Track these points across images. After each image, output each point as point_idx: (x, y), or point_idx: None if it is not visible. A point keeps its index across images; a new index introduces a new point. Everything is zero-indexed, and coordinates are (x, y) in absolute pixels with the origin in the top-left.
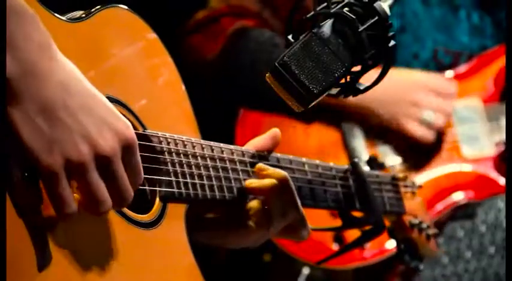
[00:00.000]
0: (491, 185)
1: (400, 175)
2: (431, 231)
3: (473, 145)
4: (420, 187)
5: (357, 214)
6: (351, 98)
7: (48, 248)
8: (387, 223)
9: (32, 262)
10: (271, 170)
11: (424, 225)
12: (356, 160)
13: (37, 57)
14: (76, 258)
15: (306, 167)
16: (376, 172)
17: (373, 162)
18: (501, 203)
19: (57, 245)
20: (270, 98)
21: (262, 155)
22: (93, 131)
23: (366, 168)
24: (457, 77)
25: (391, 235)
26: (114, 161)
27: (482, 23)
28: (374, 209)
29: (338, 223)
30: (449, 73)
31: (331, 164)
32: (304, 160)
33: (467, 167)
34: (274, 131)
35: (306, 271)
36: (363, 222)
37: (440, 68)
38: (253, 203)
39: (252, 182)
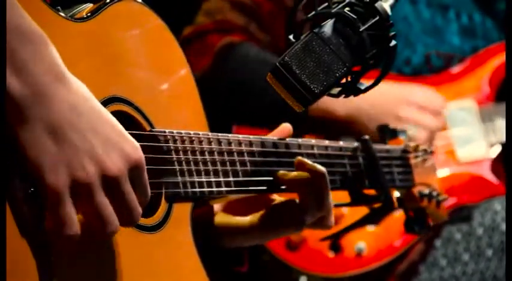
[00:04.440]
0: (488, 187)
1: (411, 145)
2: (442, 197)
3: (468, 147)
4: (432, 152)
5: (367, 191)
6: (340, 111)
7: (52, 265)
8: (396, 194)
9: (35, 280)
10: (311, 164)
11: (434, 193)
12: (366, 137)
13: (47, 79)
14: (80, 272)
15: (315, 150)
16: (387, 147)
17: (385, 129)
18: (498, 206)
19: (60, 260)
20: (259, 115)
21: (270, 143)
22: (100, 151)
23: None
24: (450, 78)
25: (401, 205)
26: (121, 182)
27: (471, 23)
28: (384, 186)
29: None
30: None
31: (341, 143)
32: (313, 141)
33: (462, 170)
34: (285, 125)
35: (303, 280)
36: (372, 199)
37: (432, 72)
38: (282, 200)
39: (286, 174)
